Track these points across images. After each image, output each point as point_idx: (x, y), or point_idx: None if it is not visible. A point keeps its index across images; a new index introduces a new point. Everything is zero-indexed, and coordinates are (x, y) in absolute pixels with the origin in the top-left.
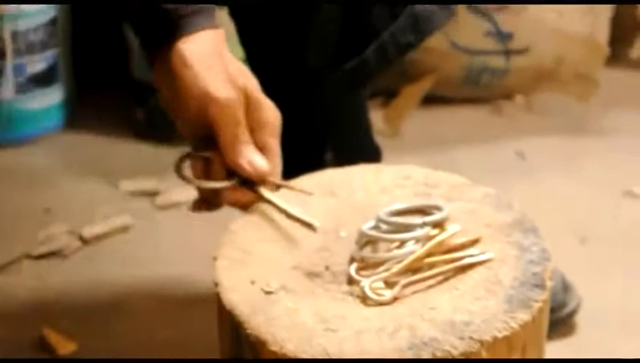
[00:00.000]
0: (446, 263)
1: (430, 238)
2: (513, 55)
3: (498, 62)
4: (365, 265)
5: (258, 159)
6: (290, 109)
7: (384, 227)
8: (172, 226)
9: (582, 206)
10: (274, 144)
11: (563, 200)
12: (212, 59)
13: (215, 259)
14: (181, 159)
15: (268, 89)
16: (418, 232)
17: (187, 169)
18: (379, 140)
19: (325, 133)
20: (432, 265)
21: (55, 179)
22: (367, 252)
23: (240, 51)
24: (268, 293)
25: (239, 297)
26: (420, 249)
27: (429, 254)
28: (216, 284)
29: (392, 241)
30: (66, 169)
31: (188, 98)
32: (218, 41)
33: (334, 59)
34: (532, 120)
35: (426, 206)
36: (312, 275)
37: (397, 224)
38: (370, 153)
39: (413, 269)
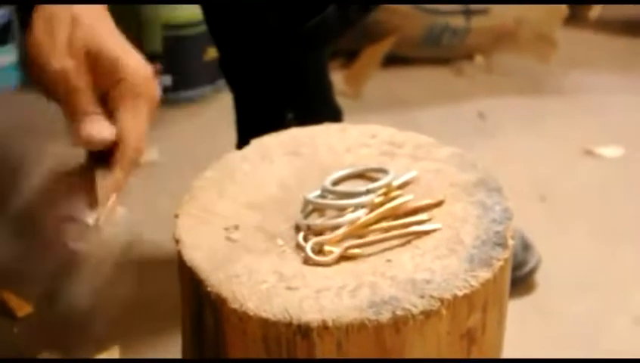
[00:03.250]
0: (395, 229)
1: (379, 204)
2: (473, 15)
3: (458, 22)
4: (312, 233)
5: (98, 127)
6: (251, 68)
7: (330, 195)
8: (135, 187)
9: (542, 165)
10: (136, 108)
11: (523, 159)
12: (57, 26)
13: (176, 216)
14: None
15: (229, 48)
16: (362, 199)
17: None
18: (340, 101)
19: (287, 93)
20: (387, 230)
21: (6, 137)
22: (312, 219)
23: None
24: (231, 240)
25: (200, 255)
26: (364, 216)
27: (380, 219)
28: (177, 241)
29: (335, 208)
30: (20, 128)
31: (31, 63)
32: (73, 7)
33: (295, 18)
34: (492, 81)
35: (372, 170)
36: (272, 235)
37: (342, 192)
38: (331, 114)
39: (361, 234)
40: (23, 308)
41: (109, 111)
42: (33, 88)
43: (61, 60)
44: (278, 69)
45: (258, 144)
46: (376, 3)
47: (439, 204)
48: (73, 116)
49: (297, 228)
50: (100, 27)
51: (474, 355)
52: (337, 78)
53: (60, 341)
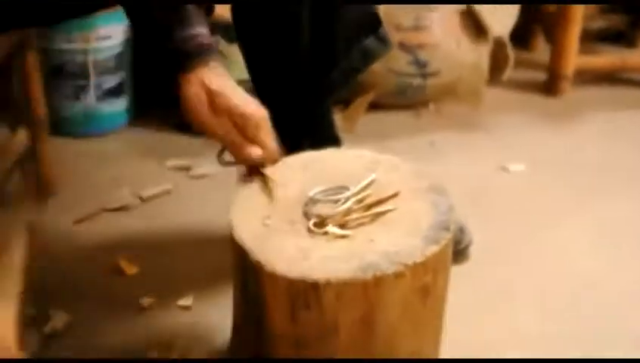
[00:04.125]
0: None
1: (361, 200)
2: (428, 77)
3: (417, 81)
4: (318, 219)
5: (255, 150)
6: (280, 110)
7: (318, 196)
8: (199, 190)
9: (473, 177)
10: (265, 137)
11: (459, 173)
12: (199, 92)
13: (230, 209)
14: (220, 150)
15: (264, 97)
16: (348, 194)
17: (225, 154)
18: (340, 134)
19: (305, 127)
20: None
21: (122, 159)
22: (317, 210)
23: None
24: (266, 225)
25: (246, 235)
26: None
27: (364, 207)
28: (230, 225)
29: (333, 201)
30: (130, 153)
31: (192, 120)
32: (204, 70)
33: (310, 77)
34: (440, 121)
35: (339, 187)
36: (293, 221)
37: (331, 193)
38: (334, 143)
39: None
40: (131, 269)
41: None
42: (137, 125)
43: (212, 117)
44: (301, 112)
45: (283, 161)
46: (364, 67)
47: (395, 195)
48: (232, 147)
49: (306, 215)
50: (224, 80)
51: (428, 303)
52: (337, 118)
53: (154, 292)
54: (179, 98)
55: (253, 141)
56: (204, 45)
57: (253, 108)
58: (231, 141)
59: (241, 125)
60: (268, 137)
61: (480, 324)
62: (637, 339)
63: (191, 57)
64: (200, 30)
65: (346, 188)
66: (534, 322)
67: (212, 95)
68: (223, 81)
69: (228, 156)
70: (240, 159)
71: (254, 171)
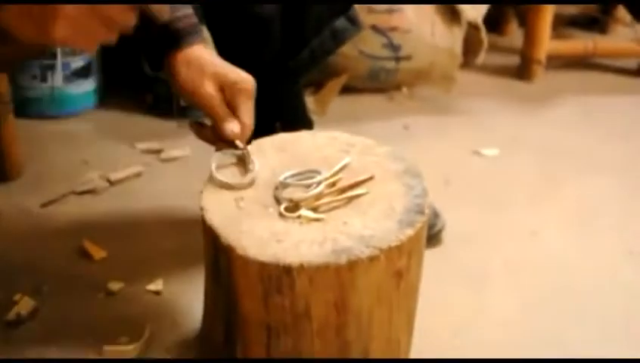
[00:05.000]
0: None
1: (333, 183)
2: (401, 60)
3: (390, 65)
4: (293, 203)
5: (235, 126)
6: None
7: (289, 181)
8: (170, 173)
9: (446, 161)
10: (248, 104)
11: (433, 156)
12: (190, 65)
13: (201, 192)
14: (192, 123)
15: None
16: (320, 178)
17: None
18: (311, 117)
19: (277, 110)
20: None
21: (91, 141)
22: (288, 194)
23: None
24: (240, 208)
25: (217, 218)
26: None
27: (336, 191)
28: (202, 209)
29: (304, 186)
30: (99, 134)
31: (183, 93)
32: (192, 49)
33: (281, 58)
34: (413, 104)
35: (310, 171)
36: (265, 204)
37: (302, 177)
38: (306, 124)
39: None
40: (98, 253)
41: (231, 108)
42: (105, 106)
43: (204, 87)
44: (272, 94)
45: (256, 143)
46: (335, 48)
47: (370, 179)
48: (217, 120)
49: (277, 200)
50: (215, 61)
51: (402, 288)
52: (309, 101)
53: (123, 276)
54: (169, 77)
55: (236, 111)
56: (194, 25)
57: (244, 75)
58: (216, 113)
59: (229, 95)
60: (250, 111)
61: (451, 306)
62: (605, 317)
63: (183, 34)
64: (189, 11)
65: (317, 172)
66: (506, 305)
67: (204, 67)
68: (214, 55)
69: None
70: (221, 133)
71: (224, 146)
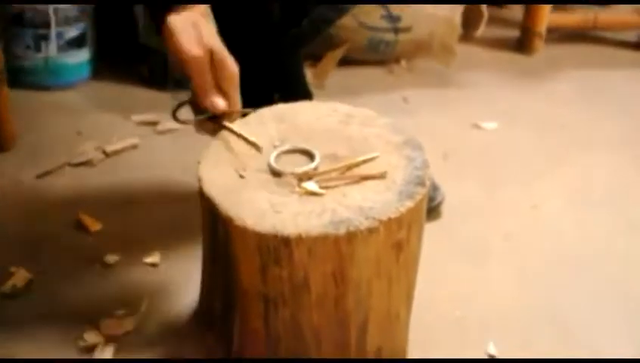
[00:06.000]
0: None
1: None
2: (400, 32)
3: (390, 36)
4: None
5: (219, 100)
6: (252, 62)
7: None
8: (167, 145)
9: (445, 134)
10: (233, 92)
11: (432, 130)
12: (188, 27)
13: (198, 163)
14: (175, 107)
15: (236, 45)
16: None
17: (180, 112)
18: (310, 89)
19: (275, 80)
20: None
21: (85, 112)
22: (285, 166)
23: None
24: (242, 177)
25: (215, 189)
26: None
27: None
28: (199, 179)
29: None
30: (93, 106)
31: (174, 56)
32: (195, 13)
33: (280, 29)
34: (412, 77)
35: (301, 148)
36: (264, 175)
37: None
38: (305, 95)
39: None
40: (94, 225)
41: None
42: (100, 77)
43: (197, 50)
44: (271, 64)
45: (256, 113)
46: (336, 17)
47: (383, 176)
48: (201, 89)
49: (275, 173)
50: (212, 29)
51: (401, 260)
52: (307, 73)
53: (119, 249)
54: (167, 36)
55: (221, 90)
56: None
57: (232, 61)
58: (202, 82)
59: (216, 71)
60: (236, 94)
61: (451, 279)
62: (605, 290)
63: None
64: None
65: (310, 152)
66: (506, 277)
67: (200, 32)
68: (212, 25)
69: (183, 115)
70: (203, 104)
71: (208, 126)
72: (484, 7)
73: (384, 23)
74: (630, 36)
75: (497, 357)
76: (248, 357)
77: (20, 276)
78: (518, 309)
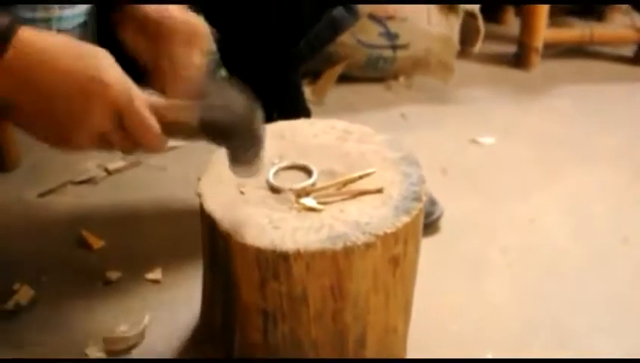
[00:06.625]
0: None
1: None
2: (398, 49)
3: (388, 53)
4: (293, 192)
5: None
6: (250, 80)
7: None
8: (169, 162)
9: (443, 149)
10: (184, 53)
11: (430, 145)
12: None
13: (199, 179)
14: None
15: (234, 68)
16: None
17: None
18: (309, 106)
19: (274, 98)
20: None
21: None
22: (283, 182)
23: None
24: (242, 193)
25: (215, 205)
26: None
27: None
28: (199, 195)
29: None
30: None
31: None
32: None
33: (278, 48)
34: (410, 93)
35: (299, 165)
36: (263, 191)
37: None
38: (304, 113)
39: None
40: (97, 242)
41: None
42: None
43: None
44: (270, 82)
45: None
46: (333, 37)
47: (380, 191)
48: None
49: (274, 190)
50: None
51: (398, 275)
52: (306, 90)
53: (121, 266)
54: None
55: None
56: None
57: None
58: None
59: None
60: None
61: (449, 294)
62: (600, 304)
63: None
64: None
65: (308, 168)
66: (503, 292)
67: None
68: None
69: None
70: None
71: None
72: (481, 24)
73: (382, 41)
74: (627, 51)
75: None
76: None
77: (24, 293)
78: (516, 323)
